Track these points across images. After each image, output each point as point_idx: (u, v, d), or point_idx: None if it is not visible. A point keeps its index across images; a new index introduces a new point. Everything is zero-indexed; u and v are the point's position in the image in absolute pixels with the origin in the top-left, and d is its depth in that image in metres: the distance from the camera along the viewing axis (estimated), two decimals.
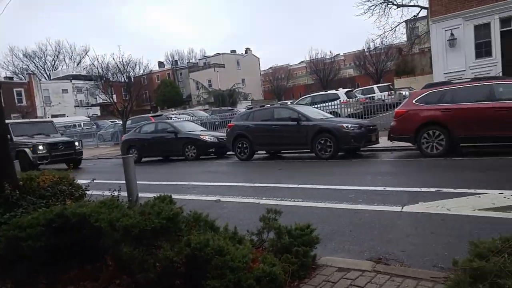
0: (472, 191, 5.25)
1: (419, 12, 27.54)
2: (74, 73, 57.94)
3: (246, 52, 66.79)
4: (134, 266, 2.65)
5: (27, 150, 12.91)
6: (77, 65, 63.33)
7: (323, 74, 54.60)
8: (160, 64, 70.75)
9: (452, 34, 14.33)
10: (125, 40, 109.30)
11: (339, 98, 17.93)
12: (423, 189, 5.66)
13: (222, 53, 63.09)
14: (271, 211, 3.45)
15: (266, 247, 3.26)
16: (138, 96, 28.16)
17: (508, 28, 13.46)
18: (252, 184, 7.53)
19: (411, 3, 26.81)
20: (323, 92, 21.44)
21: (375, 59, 47.95)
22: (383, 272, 3.02)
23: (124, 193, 3.84)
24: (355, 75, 57.23)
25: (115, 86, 32.09)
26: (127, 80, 30.42)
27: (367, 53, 49.21)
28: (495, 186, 5.38)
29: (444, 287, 2.40)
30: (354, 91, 23.03)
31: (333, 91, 20.56)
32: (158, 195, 3.43)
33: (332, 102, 16.86)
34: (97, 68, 27.84)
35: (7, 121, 16.35)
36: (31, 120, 18.22)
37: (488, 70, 13.58)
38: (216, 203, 6.17)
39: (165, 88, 58.51)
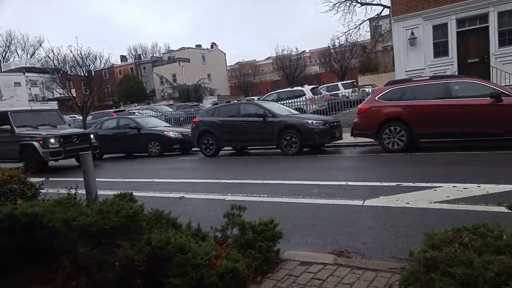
0: (429, 184, 5.48)
1: (382, 11, 28.35)
2: (28, 65, 54.57)
3: (211, 47, 66.18)
4: (92, 266, 2.55)
5: (35, 144, 10.70)
6: (31, 57, 59.87)
7: (290, 71, 55.14)
8: (123, 58, 68.74)
9: (412, 33, 14.85)
10: (83, 32, 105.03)
11: (305, 94, 18.16)
12: (384, 184, 5.84)
13: (187, 48, 62.18)
14: (235, 207, 3.43)
15: (230, 243, 3.25)
16: (99, 90, 27.21)
17: (463, 29, 14.12)
18: (217, 181, 7.47)
19: (374, 2, 27.50)
20: (289, 89, 21.62)
21: (340, 57, 48.95)
22: (344, 265, 3.08)
23: (82, 191, 3.69)
24: (320, 72, 58.21)
25: (74, 80, 30.81)
26: (86, 74, 29.25)
27: (332, 50, 50.11)
28: (449, 179, 5.64)
29: (400, 278, 2.47)
30: (319, 88, 23.40)
31: (299, 88, 20.81)
32: (119, 192, 3.32)
33: (298, 99, 17.05)
34: (53, 61, 26.55)
35: (4, 109, 14.01)
36: (34, 108, 15.28)
37: (445, 69, 14.19)
38: (180, 200, 6.08)
39: (128, 82, 56.93)
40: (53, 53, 26.38)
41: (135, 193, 3.33)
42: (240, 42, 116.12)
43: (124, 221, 2.60)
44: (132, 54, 70.32)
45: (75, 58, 25.84)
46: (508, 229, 2.52)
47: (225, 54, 67.75)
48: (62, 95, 32.27)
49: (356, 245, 3.63)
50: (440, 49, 14.59)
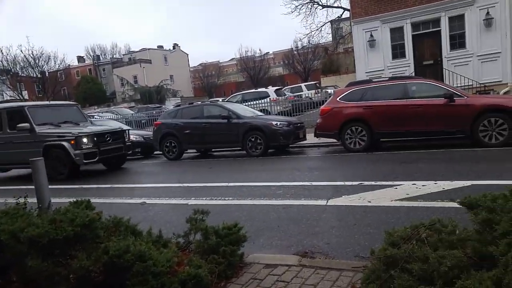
0: (390, 183, 5.64)
1: (342, 13, 29.03)
2: None
3: (174, 48, 65.17)
4: (42, 280, 2.39)
5: (65, 144, 8.93)
6: None
7: (254, 72, 55.35)
8: (80, 59, 66.08)
9: (371, 36, 15.32)
10: (36, 32, 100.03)
11: (269, 96, 18.27)
12: (347, 183, 5.95)
13: (149, 49, 60.88)
14: (198, 211, 3.36)
15: (193, 249, 3.17)
16: (54, 93, 25.95)
17: (418, 32, 14.75)
18: (180, 185, 7.32)
19: (335, 4, 28.15)
20: (253, 90, 21.68)
21: (303, 58, 49.74)
22: (308, 265, 3.09)
23: (33, 200, 3.47)
24: (284, 74, 58.85)
25: (26, 82, 29.24)
26: (39, 75, 27.84)
27: (295, 52, 50.82)
28: (409, 177, 5.84)
29: (362, 276, 2.50)
30: (283, 89, 23.64)
31: (263, 89, 20.90)
32: (75, 199, 3.16)
33: (262, 100, 17.12)
34: (1, 61, 25.06)
35: (19, 103, 12.36)
36: (53, 102, 12.91)
37: (403, 70, 14.75)
38: (142, 206, 5.89)
39: (86, 84, 54.76)
40: (2, 52, 24.91)
41: (94, 200, 3.18)
42: (203, 43, 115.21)
43: (79, 230, 2.46)
44: (90, 55, 67.78)
45: (26, 59, 24.52)
46: (461, 223, 2.62)
47: (187, 55, 66.98)
48: (13, 97, 30.55)
49: (320, 245, 3.65)
50: (398, 51, 15.15)
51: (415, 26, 14.73)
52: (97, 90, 54.78)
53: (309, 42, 32.87)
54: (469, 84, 13.33)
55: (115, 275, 2.48)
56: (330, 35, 35.39)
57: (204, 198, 5.91)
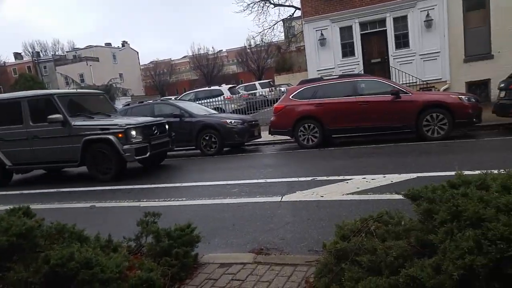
0: (342, 177, 5.81)
1: (294, 12, 29.47)
2: None
3: (123, 45, 62.95)
4: None
5: (112, 138, 7.62)
6: None
7: (207, 70, 54.84)
8: (17, 55, 61.80)
9: (322, 34, 15.70)
10: None
11: (223, 94, 18.18)
12: (300, 179, 6.05)
13: (95, 46, 58.30)
14: (150, 214, 3.25)
15: (145, 252, 3.06)
16: None
17: (366, 32, 15.32)
18: (132, 186, 7.07)
19: (287, 3, 28.57)
20: (206, 88, 21.46)
21: (256, 56, 50.03)
22: (263, 262, 3.09)
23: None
24: (238, 72, 58.91)
25: None
26: None
27: (248, 50, 50.97)
28: (359, 172, 6.05)
29: (315, 270, 2.55)
30: (237, 87, 23.62)
31: (217, 87, 20.77)
32: (12, 207, 2.94)
33: (216, 98, 16.99)
34: None
35: (45, 91, 10.03)
36: (80, 91, 11.16)
37: (353, 68, 15.27)
38: (91, 210, 5.62)
39: (25, 83, 50.93)
40: None
41: (38, 206, 2.97)
42: (154, 41, 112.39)
43: (15, 239, 2.28)
44: (29, 52, 63.52)
45: None
46: (407, 214, 2.74)
47: (137, 53, 64.99)
48: None
49: (275, 241, 3.68)
50: (347, 50, 15.64)
51: (363, 25, 15.29)
52: (38, 89, 51.44)
53: (262, 40, 33.08)
54: (414, 81, 14.08)
55: (58, 286, 2.33)
56: (283, 33, 35.85)
57: (157, 200, 5.76)
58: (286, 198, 5.08)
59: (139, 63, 65.21)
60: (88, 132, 7.80)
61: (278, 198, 5.09)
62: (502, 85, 9.25)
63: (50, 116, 7.76)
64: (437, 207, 2.25)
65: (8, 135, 8.33)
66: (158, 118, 9.29)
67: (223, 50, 65.49)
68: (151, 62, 67.10)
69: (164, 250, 2.92)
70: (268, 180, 6.24)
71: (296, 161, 8.45)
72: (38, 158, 8.24)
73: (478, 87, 13.79)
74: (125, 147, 7.61)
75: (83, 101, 9.08)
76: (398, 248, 2.27)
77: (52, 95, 8.18)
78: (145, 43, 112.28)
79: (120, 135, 7.65)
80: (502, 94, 9.13)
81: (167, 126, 9.05)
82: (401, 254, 2.23)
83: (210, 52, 57.74)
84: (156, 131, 8.48)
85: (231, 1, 52.69)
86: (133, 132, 7.78)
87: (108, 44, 61.31)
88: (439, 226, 2.15)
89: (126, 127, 7.69)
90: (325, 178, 5.92)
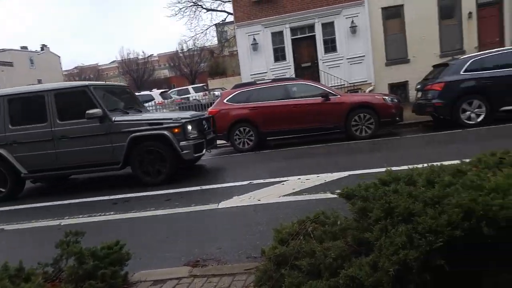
0: (278, 179, 5.82)
1: (226, 17, 29.56)
2: None
3: (42, 49, 58.25)
4: None
5: (167, 134, 6.59)
6: None
7: (137, 75, 52.80)
8: None
9: (254, 39, 15.86)
10: None
11: (154, 99, 17.56)
12: (237, 183, 5.96)
13: (9, 49, 53.24)
14: (71, 233, 2.92)
15: (65, 278, 2.73)
16: None
17: (296, 37, 15.78)
18: (51, 203, 6.35)
19: (219, 8, 28.51)
20: (136, 93, 20.56)
21: (189, 61, 49.24)
22: (200, 275, 2.93)
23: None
24: (170, 76, 57.47)
25: None
26: None
27: (181, 55, 50.05)
28: (294, 173, 6.10)
29: (254, 278, 2.45)
30: (169, 92, 23.00)
31: (147, 92, 20.00)
32: None
33: (147, 104, 16.33)
34: None
35: (80, 82, 7.76)
36: (109, 83, 9.44)
37: (284, 72, 15.64)
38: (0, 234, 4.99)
39: None
40: None
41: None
42: (80, 46, 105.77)
43: None
44: None
45: None
46: (342, 213, 2.75)
47: (59, 57, 60.56)
48: None
49: (212, 251, 3.52)
50: (279, 54, 15.98)
51: (293, 30, 15.72)
52: None
53: (194, 45, 32.70)
54: (342, 84, 14.79)
55: None
56: (216, 38, 35.78)
57: (80, 216, 5.25)
58: (223, 204, 4.94)
59: (61, 68, 60.80)
60: (134, 128, 6.67)
61: (215, 205, 4.93)
62: (419, 86, 10.05)
63: (89, 111, 6.57)
64: (371, 205, 2.27)
65: (25, 136, 6.90)
66: (200, 113, 8.40)
67: (154, 55, 63.59)
68: (75, 68, 62.95)
69: (88, 272, 2.62)
70: (204, 187, 6.06)
71: (232, 165, 8.35)
72: (64, 162, 6.92)
73: (399, 88, 14.87)
74: (183, 143, 6.61)
75: (114, 95, 7.88)
76: (336, 249, 2.25)
77: (87, 86, 6.93)
78: (69, 48, 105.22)
79: (176, 130, 6.60)
80: (419, 94, 9.91)
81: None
82: (339, 254, 2.21)
83: (140, 57, 55.68)
84: (206, 125, 7.65)
85: (162, 5, 51.51)
86: (190, 127, 6.85)
87: (25, 48, 56.35)
88: (374, 224, 2.16)
89: (183, 120, 6.72)
90: (261, 181, 5.89)
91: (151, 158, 6.72)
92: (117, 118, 6.79)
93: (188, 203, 5.20)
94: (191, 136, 6.81)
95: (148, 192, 6.19)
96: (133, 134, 6.62)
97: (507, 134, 7.50)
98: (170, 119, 6.80)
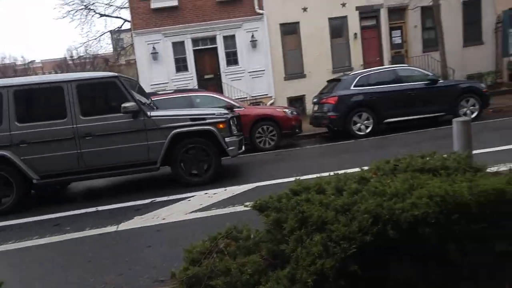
0: (183, 195, 5.55)
1: (122, 24, 28.10)
2: None
3: None
4: None
5: (214, 130, 6.05)
6: None
7: None
8: None
9: (154, 48, 15.29)
10: None
11: None
12: (138, 202, 5.51)
13: None
14: None
15: None
16: None
17: (198, 48, 15.65)
18: None
19: (114, 14, 27.01)
20: None
21: (80, 68, 45.58)
22: None
23: None
24: None
25: None
26: None
27: (70, 62, 46.14)
28: (200, 188, 5.89)
29: None
30: None
31: None
32: None
33: None
34: None
35: (107, 73, 6.29)
36: (125, 76, 7.45)
37: (187, 83, 15.35)
38: None
39: None
40: None
41: None
42: None
43: None
44: None
45: None
46: (253, 226, 2.67)
47: None
48: None
49: (112, 278, 3.13)
50: (181, 65, 15.67)
51: (195, 41, 15.59)
52: None
53: (86, 51, 30.38)
54: (244, 96, 15.09)
55: None
56: (111, 45, 33.81)
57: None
58: (123, 226, 4.50)
59: None
60: (176, 124, 6.06)
61: (113, 228, 4.45)
62: (315, 100, 10.74)
63: (124, 104, 5.80)
64: (285, 215, 2.22)
65: (36, 135, 5.76)
66: (225, 111, 7.44)
67: (37, 61, 57.23)
68: None
69: None
70: (100, 208, 5.45)
71: (132, 182, 7.77)
72: (90, 164, 5.96)
73: (297, 102, 15.75)
74: (230, 139, 6.27)
75: (134, 89, 6.71)
76: (252, 264, 2.15)
77: (117, 77, 6.11)
78: None
79: (221, 126, 6.21)
80: (316, 107, 10.59)
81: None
82: (256, 270, 2.12)
83: (19, 62, 49.70)
84: (237, 124, 7.13)
85: (49, 7, 46.89)
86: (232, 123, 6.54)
87: None
88: (289, 235, 2.11)
89: (228, 116, 6.37)
90: (165, 198, 5.55)
91: (193, 157, 6.24)
92: (153, 113, 6.20)
93: (82, 227, 4.61)
94: (235, 132, 6.58)
95: (30, 218, 5.35)
96: (176, 130, 6.06)
97: (391, 143, 8.39)
98: (213, 114, 6.38)
